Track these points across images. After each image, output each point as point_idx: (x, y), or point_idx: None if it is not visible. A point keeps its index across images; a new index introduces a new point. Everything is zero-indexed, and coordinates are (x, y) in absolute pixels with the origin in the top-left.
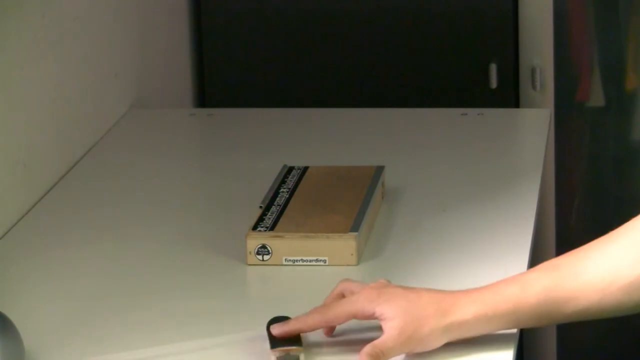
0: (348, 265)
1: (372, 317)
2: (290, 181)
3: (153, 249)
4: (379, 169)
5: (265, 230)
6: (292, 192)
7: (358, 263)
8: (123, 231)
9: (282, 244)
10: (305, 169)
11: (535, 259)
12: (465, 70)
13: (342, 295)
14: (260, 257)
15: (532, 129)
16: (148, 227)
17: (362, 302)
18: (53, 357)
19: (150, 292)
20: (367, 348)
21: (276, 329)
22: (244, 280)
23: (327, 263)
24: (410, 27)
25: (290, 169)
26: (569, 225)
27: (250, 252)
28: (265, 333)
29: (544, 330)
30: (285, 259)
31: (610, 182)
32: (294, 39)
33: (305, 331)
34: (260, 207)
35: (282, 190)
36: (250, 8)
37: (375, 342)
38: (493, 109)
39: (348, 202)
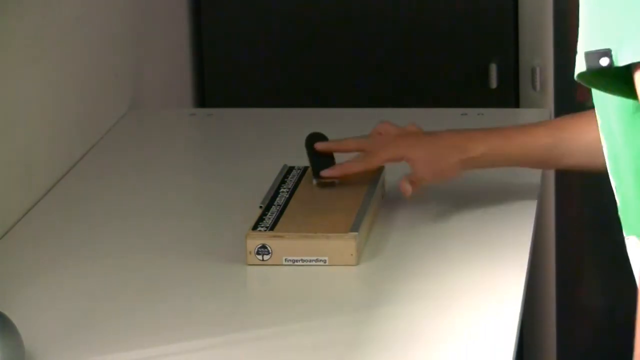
0: (348, 265)
1: (401, 160)
2: (290, 181)
3: (153, 249)
4: (379, 169)
5: (265, 230)
6: (292, 192)
7: (358, 263)
8: (123, 231)
9: (282, 244)
10: (305, 169)
11: (535, 259)
12: (466, 70)
13: (380, 133)
14: (260, 257)
15: None
16: (148, 227)
17: (393, 150)
18: (53, 357)
19: (150, 292)
20: (405, 178)
21: (328, 172)
22: (244, 280)
23: (327, 263)
24: (410, 27)
25: (291, 169)
26: (569, 225)
27: (250, 252)
28: None
29: (544, 330)
30: (285, 259)
31: (609, 182)
32: (294, 39)
33: (351, 173)
34: (260, 207)
35: (282, 190)
36: (250, 8)
37: (409, 174)
38: (493, 109)
39: (348, 202)
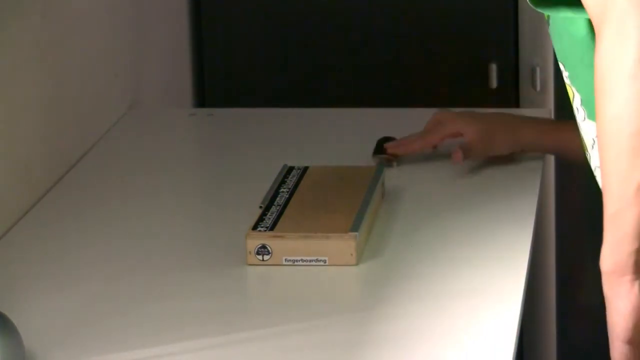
0: (348, 265)
1: (458, 135)
2: (290, 181)
3: (153, 248)
4: (379, 169)
5: (265, 230)
6: (292, 192)
7: (358, 263)
8: (123, 231)
9: (282, 244)
10: (305, 169)
11: (535, 259)
12: (466, 70)
13: (438, 121)
14: (260, 257)
15: None
16: (148, 227)
17: (450, 126)
18: (53, 357)
19: (150, 292)
20: (458, 146)
21: (390, 147)
22: (244, 280)
23: (326, 263)
24: (410, 27)
25: (290, 169)
26: (569, 225)
27: (250, 252)
28: None
29: (544, 330)
30: (285, 259)
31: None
32: (294, 39)
33: (413, 152)
34: (260, 207)
35: (282, 190)
36: (250, 8)
37: (462, 144)
38: (493, 109)
39: (348, 202)
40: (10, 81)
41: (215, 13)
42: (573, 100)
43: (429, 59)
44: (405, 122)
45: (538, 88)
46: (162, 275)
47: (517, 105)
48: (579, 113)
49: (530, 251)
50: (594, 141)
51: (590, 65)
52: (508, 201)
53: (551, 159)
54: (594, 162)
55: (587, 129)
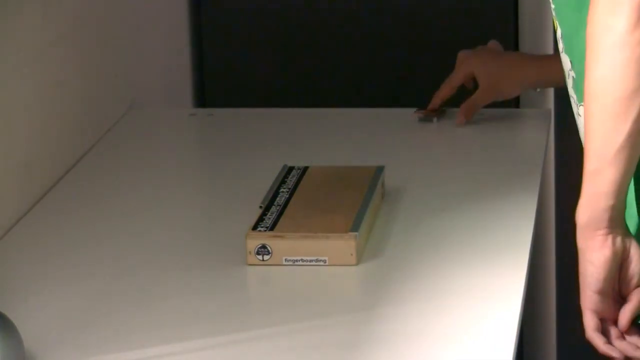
0: (348, 265)
1: (472, 75)
2: (290, 181)
3: (153, 248)
4: (379, 169)
5: (265, 230)
6: (292, 192)
7: (358, 263)
8: (123, 231)
9: (282, 244)
10: (305, 169)
11: (535, 259)
12: None
13: (461, 61)
14: (260, 257)
15: (532, 128)
16: (148, 227)
17: (465, 67)
18: (53, 357)
19: (150, 292)
20: (463, 105)
21: (429, 107)
22: (244, 280)
23: (326, 263)
24: (409, 27)
25: (290, 169)
26: (569, 225)
27: (250, 252)
28: None
29: (544, 330)
30: (285, 259)
31: None
32: (294, 39)
33: (444, 98)
34: (260, 207)
35: (282, 190)
36: (250, 8)
37: (469, 100)
38: (493, 109)
39: (348, 202)
40: (10, 81)
41: (215, 13)
42: (556, 31)
43: (429, 58)
44: (405, 122)
45: (537, 89)
46: (162, 275)
47: (516, 105)
48: (559, 44)
49: (530, 251)
50: (568, 74)
51: (573, 7)
52: (508, 201)
53: (551, 159)
54: (569, 90)
55: (564, 60)
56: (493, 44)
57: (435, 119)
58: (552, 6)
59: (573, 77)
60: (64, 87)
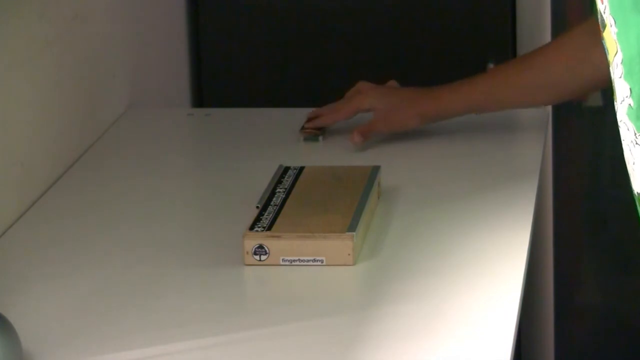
0: (345, 265)
1: (368, 110)
2: (287, 181)
3: (151, 249)
4: (375, 169)
5: (262, 231)
6: (288, 192)
7: (355, 263)
8: (121, 231)
9: (279, 244)
10: (301, 169)
11: (534, 258)
12: (463, 69)
13: (357, 91)
14: (257, 257)
15: (530, 128)
16: (146, 227)
17: (360, 100)
18: (52, 357)
19: (149, 292)
20: (358, 127)
21: (308, 123)
22: (242, 280)
23: (324, 263)
24: (408, 26)
25: (287, 169)
26: (567, 225)
27: (247, 252)
28: None
29: (542, 330)
30: (283, 259)
31: (608, 182)
32: (293, 38)
33: (327, 125)
34: (257, 207)
35: (278, 190)
36: (248, 8)
37: (365, 123)
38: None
39: (344, 202)
40: (8, 81)
41: (213, 13)
42: (614, 55)
43: (427, 58)
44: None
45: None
46: (160, 275)
47: None
48: (616, 70)
49: (528, 251)
50: (623, 100)
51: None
52: (505, 201)
53: (549, 159)
54: (620, 116)
55: (620, 86)
56: (392, 83)
57: (320, 138)
58: (614, 29)
59: (630, 104)
60: (62, 87)
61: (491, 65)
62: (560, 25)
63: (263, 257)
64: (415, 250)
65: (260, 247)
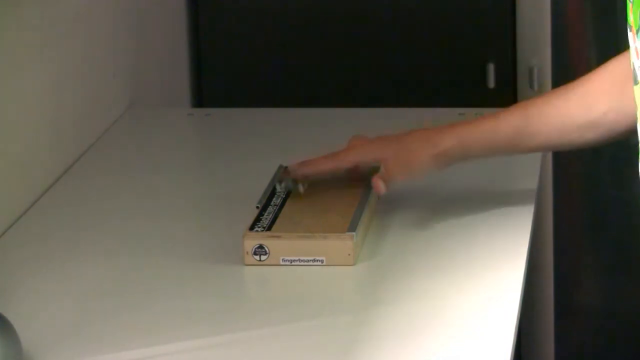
0: (345, 265)
1: (373, 160)
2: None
3: (150, 248)
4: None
5: (262, 231)
6: (288, 193)
7: (355, 263)
8: (120, 231)
9: (279, 244)
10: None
11: (533, 259)
12: (463, 70)
13: (353, 147)
14: (257, 257)
15: None
16: (146, 227)
17: (363, 152)
18: (52, 357)
19: (149, 292)
20: (377, 175)
21: (296, 166)
22: (242, 280)
23: (324, 263)
24: (408, 26)
25: (287, 169)
26: (567, 225)
27: (247, 252)
28: None
29: (542, 330)
30: (283, 259)
31: (608, 182)
32: (292, 38)
33: (319, 174)
34: (257, 207)
35: (278, 190)
36: (248, 8)
37: (380, 173)
38: (491, 109)
39: (345, 202)
40: (9, 80)
41: (213, 13)
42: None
43: (427, 58)
44: (403, 121)
45: (536, 88)
46: (160, 275)
47: None
48: None
49: (528, 251)
50: None
51: None
52: (506, 201)
53: (549, 159)
54: None
55: None
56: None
57: (300, 187)
58: None
59: None
60: (62, 87)
61: (491, 65)
62: (560, 24)
63: (263, 257)
64: (415, 251)
65: (260, 247)
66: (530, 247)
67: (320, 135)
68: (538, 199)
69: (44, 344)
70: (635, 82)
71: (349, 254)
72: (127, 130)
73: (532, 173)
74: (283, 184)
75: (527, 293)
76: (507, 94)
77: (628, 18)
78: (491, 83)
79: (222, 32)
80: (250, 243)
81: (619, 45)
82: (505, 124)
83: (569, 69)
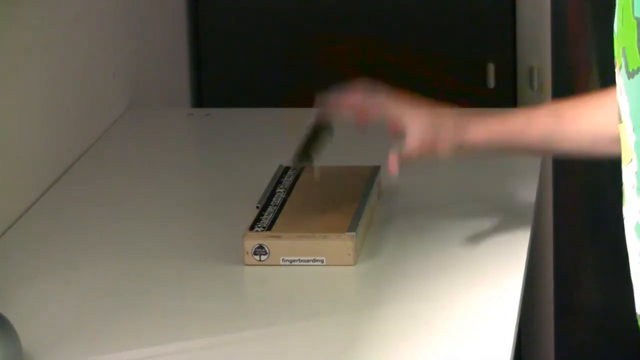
0: (345, 265)
1: (400, 120)
2: (287, 181)
3: (151, 248)
4: (375, 169)
5: (262, 231)
6: (288, 192)
7: (355, 263)
8: (120, 231)
9: (279, 244)
10: (302, 169)
11: (533, 259)
12: (463, 70)
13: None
14: (257, 257)
15: None
16: (145, 227)
17: (394, 107)
18: (52, 357)
19: (149, 292)
20: (394, 154)
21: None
22: (242, 280)
23: (324, 263)
24: (408, 27)
25: (287, 169)
26: (567, 225)
27: (247, 252)
28: None
29: (542, 330)
30: (283, 259)
31: (607, 182)
32: (292, 38)
33: (348, 106)
34: (257, 207)
35: (278, 190)
36: (248, 8)
37: (400, 150)
38: (491, 109)
39: (344, 202)
40: (9, 81)
41: (212, 13)
42: (628, 162)
43: (427, 58)
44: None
45: (535, 88)
46: (160, 275)
47: (514, 105)
48: (629, 177)
49: (528, 251)
50: (635, 214)
51: None
52: (506, 201)
53: (549, 159)
54: (628, 227)
55: (632, 197)
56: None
57: (316, 163)
58: (631, 135)
59: (638, 221)
60: (62, 87)
61: (491, 65)
62: (560, 24)
63: (263, 257)
64: (415, 251)
65: (260, 247)
66: (530, 247)
67: None
68: (538, 199)
69: (44, 344)
70: (619, 120)
71: (349, 254)
72: (127, 130)
73: (533, 173)
74: (299, 164)
75: (527, 293)
76: (507, 94)
77: (614, 53)
78: (491, 83)
79: (222, 32)
80: (250, 243)
81: None
82: (537, 124)
83: (569, 69)
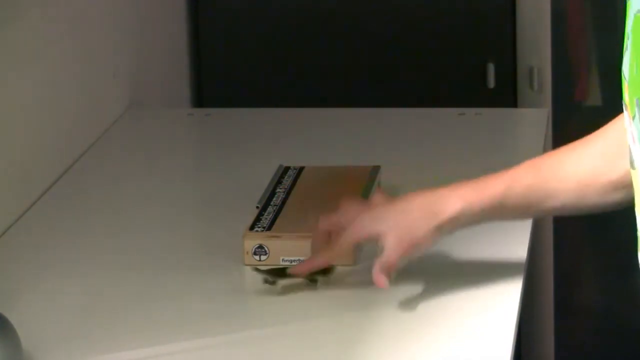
0: (346, 265)
1: (371, 239)
2: (287, 181)
3: (151, 249)
4: (375, 169)
5: (262, 231)
6: (288, 193)
7: (356, 263)
8: (121, 231)
9: (279, 244)
10: (301, 169)
11: (533, 259)
12: (463, 70)
13: (349, 219)
14: (257, 257)
15: (530, 129)
16: (145, 227)
17: (359, 231)
18: (52, 357)
19: (149, 292)
20: (377, 267)
21: (295, 270)
22: (242, 280)
23: None
24: (408, 27)
25: (287, 169)
26: (567, 225)
27: (247, 253)
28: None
29: (542, 330)
30: (283, 259)
31: None
32: (292, 38)
33: (323, 265)
34: (257, 207)
35: (278, 190)
36: (248, 8)
37: (381, 259)
38: (491, 109)
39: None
40: (9, 80)
41: (213, 13)
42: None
43: (427, 58)
44: (403, 121)
45: (535, 88)
46: (160, 276)
47: (515, 105)
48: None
49: (528, 250)
50: None
51: None
52: None
53: None
54: None
55: None
56: (379, 196)
57: (319, 279)
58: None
59: None
60: (62, 87)
61: (491, 65)
62: (560, 24)
63: (263, 257)
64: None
65: (260, 247)
66: (530, 247)
67: (320, 135)
68: None
69: (44, 344)
70: (632, 166)
71: (350, 254)
72: (127, 131)
73: None
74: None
75: (527, 293)
76: (507, 94)
77: (623, 96)
78: (491, 83)
79: (222, 31)
80: (250, 243)
81: (619, 46)
82: (516, 184)
83: (569, 68)
